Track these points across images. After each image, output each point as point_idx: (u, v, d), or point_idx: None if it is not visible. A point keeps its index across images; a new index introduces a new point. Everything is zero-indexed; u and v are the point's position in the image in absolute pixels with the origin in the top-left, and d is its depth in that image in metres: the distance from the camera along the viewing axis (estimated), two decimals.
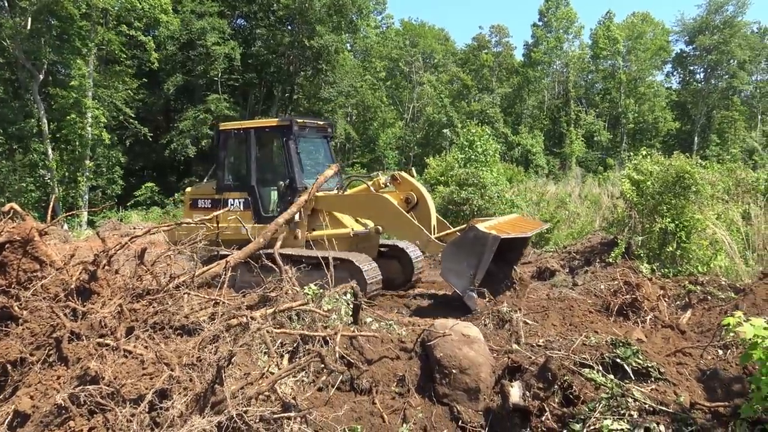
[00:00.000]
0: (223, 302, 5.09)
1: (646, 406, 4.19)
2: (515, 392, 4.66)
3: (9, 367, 4.79)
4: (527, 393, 4.61)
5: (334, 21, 33.86)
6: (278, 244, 7.50)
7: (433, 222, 9.33)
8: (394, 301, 9.40)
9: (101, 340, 4.67)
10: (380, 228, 9.76)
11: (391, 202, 9.22)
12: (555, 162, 44.97)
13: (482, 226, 7.98)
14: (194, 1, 31.66)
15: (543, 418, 4.40)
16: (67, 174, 26.44)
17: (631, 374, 4.55)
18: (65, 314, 4.91)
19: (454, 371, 4.99)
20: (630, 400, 4.23)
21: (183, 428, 3.77)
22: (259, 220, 9.80)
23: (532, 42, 49.48)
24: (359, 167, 39.04)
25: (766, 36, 52.45)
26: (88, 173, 26.67)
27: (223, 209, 8.84)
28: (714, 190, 10.53)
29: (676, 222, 9.45)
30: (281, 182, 9.91)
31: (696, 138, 50.83)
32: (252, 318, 4.73)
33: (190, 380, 4.12)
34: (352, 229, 9.66)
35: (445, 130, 42.85)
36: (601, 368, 4.59)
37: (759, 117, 52.93)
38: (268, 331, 4.69)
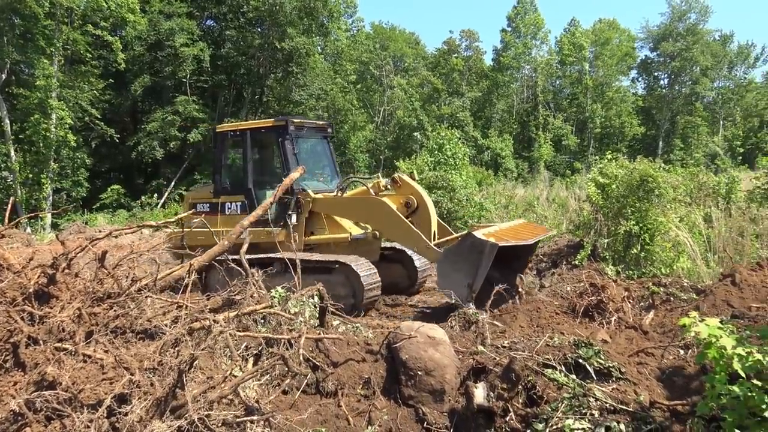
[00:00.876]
0: (186, 305, 5.02)
1: (607, 405, 4.22)
2: (480, 393, 4.67)
3: None
4: (491, 394, 4.63)
5: (305, 24, 33.69)
6: (245, 246, 7.37)
7: (434, 227, 8.94)
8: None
9: (59, 344, 4.56)
10: (377, 233, 9.50)
11: (388, 205, 8.90)
12: (524, 165, 45.56)
13: (481, 232, 7.65)
14: (162, 2, 31.17)
15: (507, 419, 4.41)
16: (30, 176, 25.77)
17: (593, 374, 4.59)
18: (22, 318, 4.79)
19: (419, 373, 4.99)
20: (591, 399, 4.27)
21: None
22: (257, 223, 9.58)
23: (501, 47, 50.07)
24: None
25: (727, 43, 53.97)
26: (52, 175, 26.07)
27: (189, 211, 8.70)
28: (676, 193, 10.73)
29: (641, 225, 9.57)
30: (277, 184, 9.60)
31: (660, 142, 52.10)
32: (215, 321, 4.67)
33: (151, 384, 4.05)
34: (350, 234, 9.44)
35: (415, 134, 43.07)
36: (563, 368, 4.62)
37: (721, 122, 54.42)
38: (231, 335, 4.63)
